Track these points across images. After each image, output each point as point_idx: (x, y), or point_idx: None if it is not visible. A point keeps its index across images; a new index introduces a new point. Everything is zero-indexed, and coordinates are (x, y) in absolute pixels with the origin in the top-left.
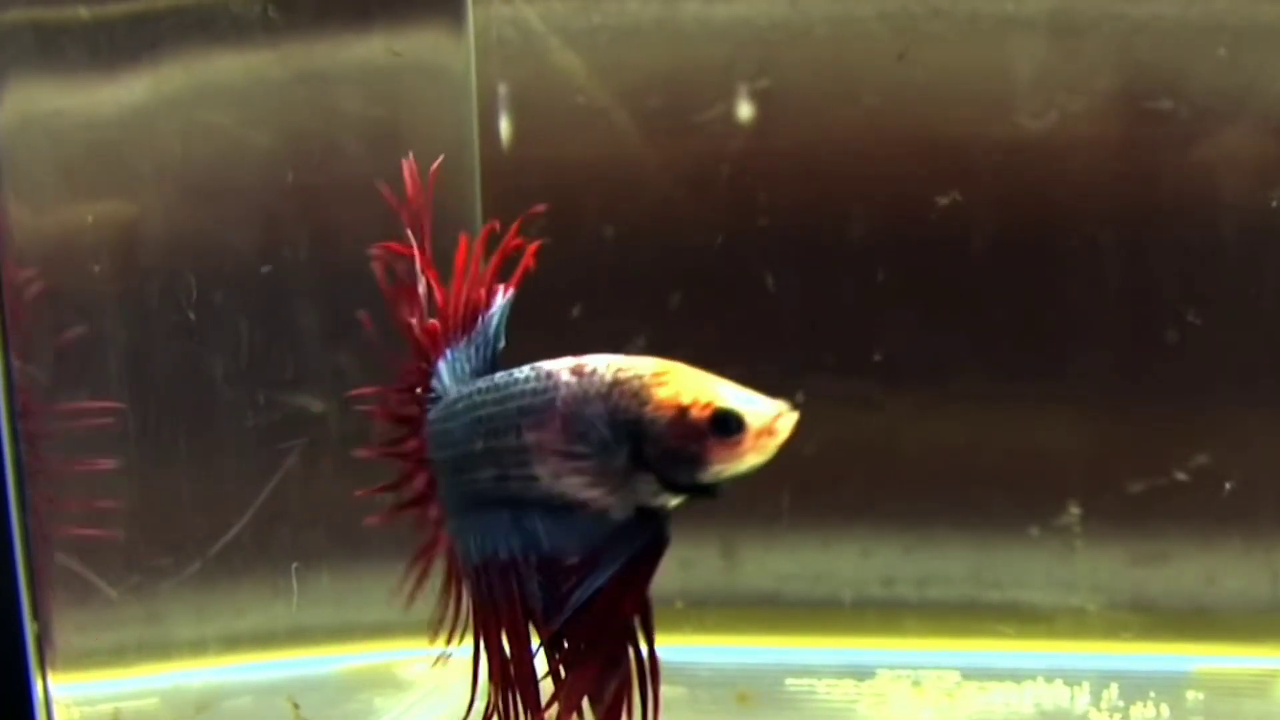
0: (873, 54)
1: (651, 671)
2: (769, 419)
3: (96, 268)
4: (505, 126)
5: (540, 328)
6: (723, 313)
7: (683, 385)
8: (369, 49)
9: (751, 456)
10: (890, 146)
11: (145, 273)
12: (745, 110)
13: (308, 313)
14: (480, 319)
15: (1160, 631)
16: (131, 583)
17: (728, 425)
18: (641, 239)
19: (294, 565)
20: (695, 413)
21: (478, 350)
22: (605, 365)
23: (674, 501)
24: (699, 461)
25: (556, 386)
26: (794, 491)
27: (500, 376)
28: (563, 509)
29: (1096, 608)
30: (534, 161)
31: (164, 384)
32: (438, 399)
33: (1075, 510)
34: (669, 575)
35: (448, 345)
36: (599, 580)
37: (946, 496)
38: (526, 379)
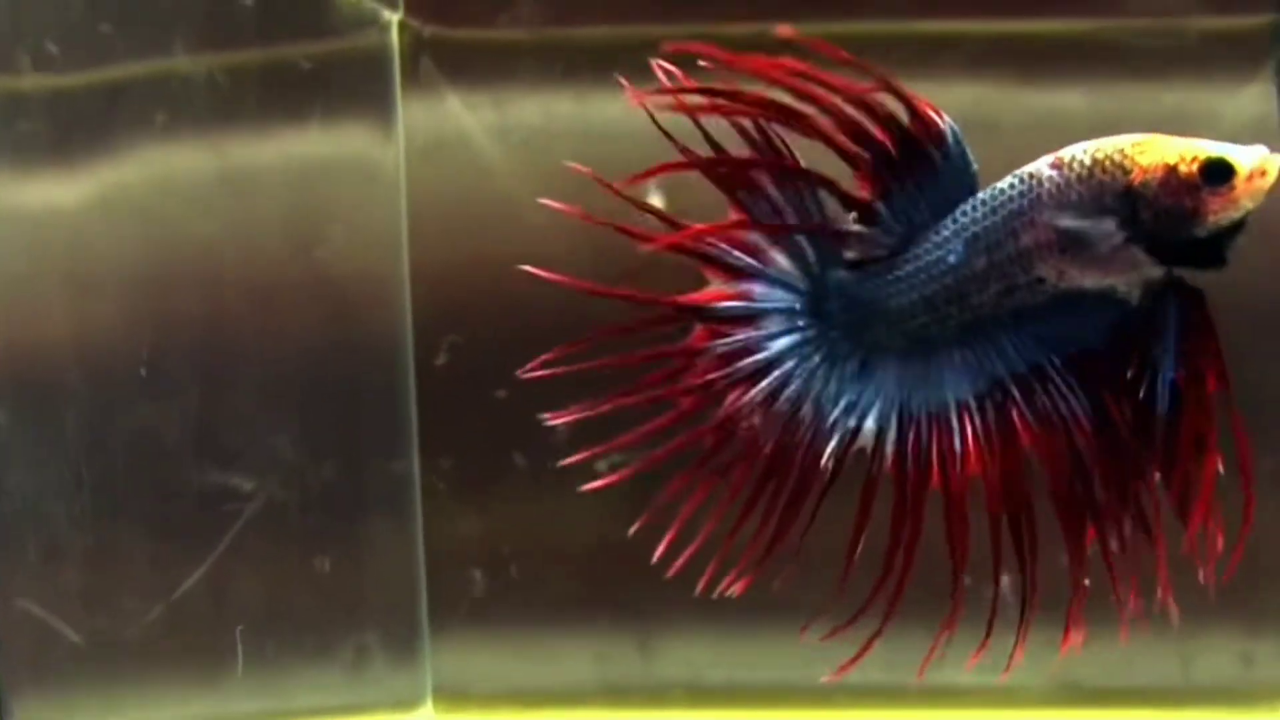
0: None
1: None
2: (1258, 160)
3: (56, 335)
4: (433, 223)
5: (470, 408)
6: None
7: (1164, 147)
8: (302, 145)
9: (1245, 201)
10: None
11: (102, 341)
12: (657, 203)
13: (248, 394)
14: (923, 152)
15: (1086, 708)
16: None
17: (1219, 173)
18: (562, 324)
19: (238, 628)
20: (1184, 168)
21: (941, 181)
22: (1082, 150)
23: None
24: (1196, 215)
25: (1040, 183)
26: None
27: (984, 194)
28: (1073, 304)
29: (1025, 686)
30: (460, 254)
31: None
32: (876, 247)
33: (1005, 578)
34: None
35: (891, 187)
36: (1170, 366)
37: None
38: (1011, 186)
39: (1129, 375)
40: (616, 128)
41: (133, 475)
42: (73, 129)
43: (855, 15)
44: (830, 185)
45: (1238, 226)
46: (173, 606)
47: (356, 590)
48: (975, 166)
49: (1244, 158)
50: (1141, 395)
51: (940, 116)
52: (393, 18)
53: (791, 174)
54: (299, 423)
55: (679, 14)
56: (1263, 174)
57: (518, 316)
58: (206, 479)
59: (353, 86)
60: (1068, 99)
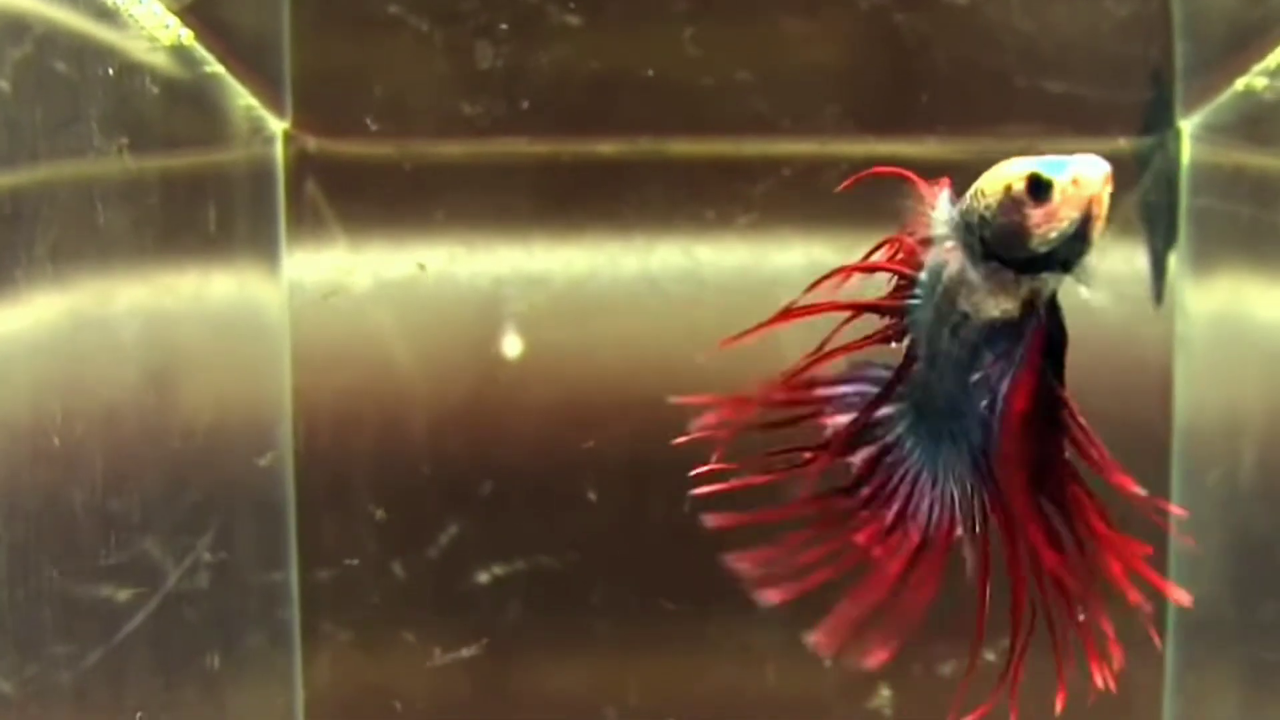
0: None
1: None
2: (1070, 173)
3: None
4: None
5: (349, 523)
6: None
7: (1010, 169)
8: (186, 286)
9: (1067, 211)
10: (645, 371)
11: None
12: (513, 347)
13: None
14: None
15: None
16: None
17: (1040, 188)
18: (434, 467)
19: (138, 715)
20: (1016, 186)
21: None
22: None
23: (1040, 286)
24: (1023, 230)
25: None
26: None
27: None
28: (996, 334)
29: None
30: (340, 395)
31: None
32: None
33: (886, 692)
34: None
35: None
36: (1003, 377)
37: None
38: None
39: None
40: (470, 279)
41: (44, 544)
42: None
43: (733, 134)
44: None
45: (1078, 239)
46: (78, 681)
47: (239, 690)
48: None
49: (1061, 171)
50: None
51: (938, 183)
52: (278, 128)
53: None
54: (183, 532)
55: (583, 130)
56: (1075, 184)
57: (397, 435)
58: (104, 565)
59: (235, 209)
60: None
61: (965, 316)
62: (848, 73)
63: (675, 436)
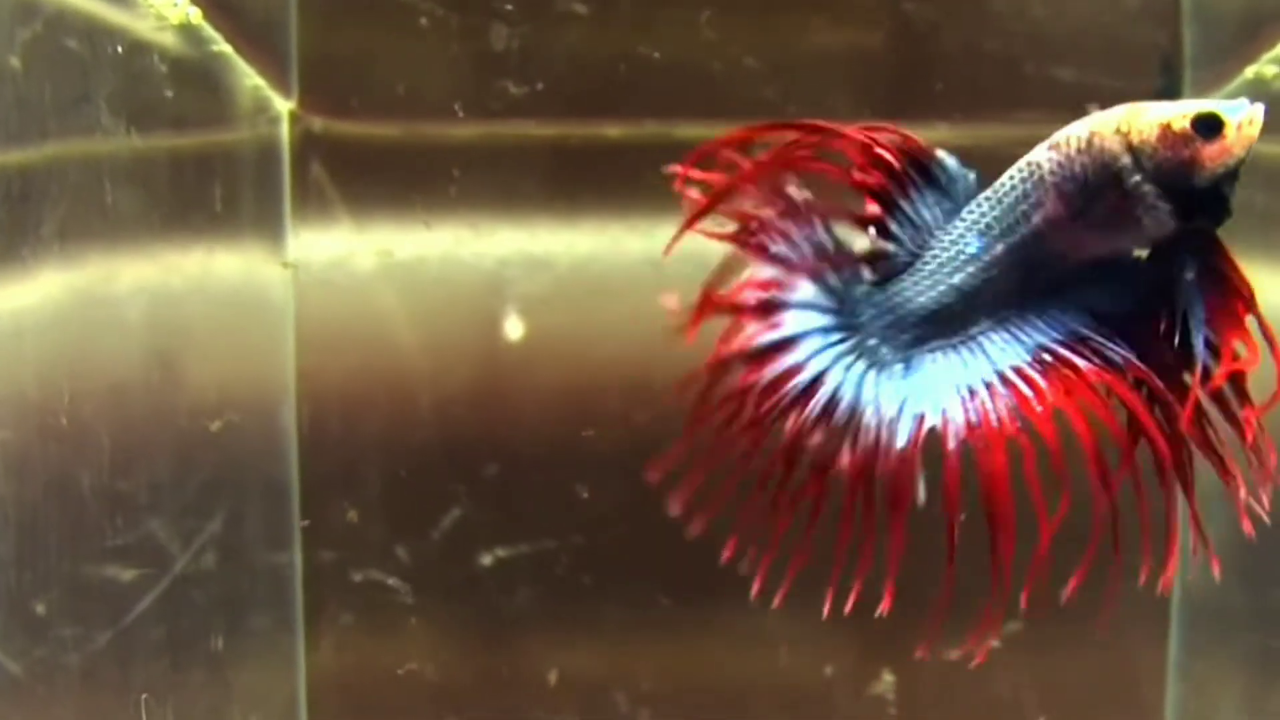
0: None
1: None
2: (1243, 113)
3: None
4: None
5: (356, 503)
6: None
7: (1153, 110)
8: (191, 265)
9: (1238, 150)
10: (648, 353)
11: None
12: (515, 329)
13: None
14: (923, 168)
15: None
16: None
17: (1210, 125)
18: (438, 449)
19: (143, 697)
20: (1177, 124)
21: (942, 193)
22: (1076, 128)
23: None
24: (1195, 164)
25: (1040, 164)
26: None
27: (988, 190)
28: (1096, 272)
29: None
30: (345, 364)
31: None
32: (898, 256)
33: (889, 677)
34: None
35: (899, 203)
36: (1200, 320)
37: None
38: (1011, 176)
39: (1162, 330)
40: (472, 260)
41: (52, 525)
42: None
43: (741, 119)
44: (845, 214)
45: (1232, 175)
46: (85, 662)
47: (244, 671)
48: (973, 175)
49: (1231, 110)
50: (1176, 346)
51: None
52: (284, 108)
53: (806, 212)
54: (190, 514)
55: (591, 114)
56: (1250, 123)
57: (401, 416)
58: (112, 546)
59: (241, 189)
60: None
61: (1059, 256)
62: (858, 59)
63: (678, 417)
